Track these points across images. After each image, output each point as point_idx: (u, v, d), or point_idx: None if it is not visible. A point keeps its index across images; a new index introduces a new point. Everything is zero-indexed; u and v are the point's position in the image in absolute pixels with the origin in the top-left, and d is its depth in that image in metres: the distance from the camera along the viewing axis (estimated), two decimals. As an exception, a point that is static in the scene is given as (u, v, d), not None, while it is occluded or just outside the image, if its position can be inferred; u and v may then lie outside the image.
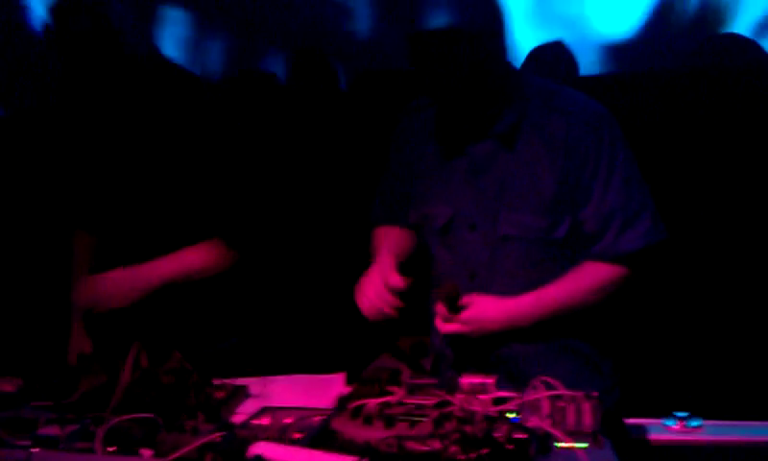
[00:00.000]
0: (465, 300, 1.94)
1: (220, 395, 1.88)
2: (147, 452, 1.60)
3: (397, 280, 1.94)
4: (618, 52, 3.36)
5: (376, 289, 1.96)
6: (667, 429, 1.41)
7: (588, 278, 1.98)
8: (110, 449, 1.58)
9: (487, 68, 1.91)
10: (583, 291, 1.98)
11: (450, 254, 2.08)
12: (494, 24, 1.93)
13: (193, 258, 2.26)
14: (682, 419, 1.41)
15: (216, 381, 1.96)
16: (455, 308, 1.95)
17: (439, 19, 1.82)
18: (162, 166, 2.25)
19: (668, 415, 1.43)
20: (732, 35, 3.11)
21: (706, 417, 1.42)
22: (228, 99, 2.41)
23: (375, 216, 2.27)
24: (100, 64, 2.18)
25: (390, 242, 2.16)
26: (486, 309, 1.96)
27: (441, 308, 1.94)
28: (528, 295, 1.97)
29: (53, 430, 1.63)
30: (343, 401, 1.75)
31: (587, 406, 1.53)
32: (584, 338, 2.06)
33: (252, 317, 2.47)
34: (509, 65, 2.03)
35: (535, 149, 1.97)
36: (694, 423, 1.40)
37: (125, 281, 2.19)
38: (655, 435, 1.38)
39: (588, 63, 3.37)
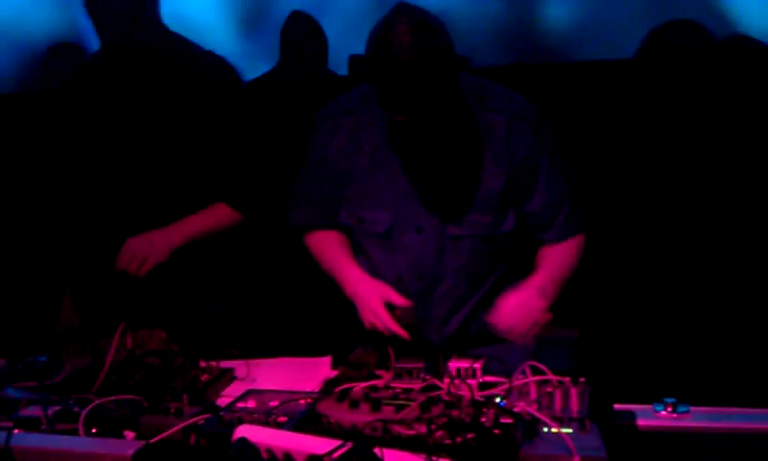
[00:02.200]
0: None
1: (205, 377, 1.87)
2: (130, 434, 1.59)
3: (400, 301, 1.97)
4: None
5: (375, 309, 1.97)
6: (656, 415, 1.40)
7: (562, 255, 2.08)
8: (93, 431, 1.56)
9: (452, 89, 1.89)
10: (567, 267, 2.08)
11: (392, 257, 2.07)
12: (450, 45, 1.85)
13: (208, 220, 2.35)
14: (670, 405, 1.41)
15: (202, 364, 1.95)
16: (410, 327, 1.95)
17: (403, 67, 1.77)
18: (179, 129, 2.30)
19: (657, 401, 1.43)
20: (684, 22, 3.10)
21: (694, 403, 1.42)
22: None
23: (301, 220, 2.22)
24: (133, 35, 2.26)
25: (347, 253, 2.15)
26: (512, 299, 1.95)
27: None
28: (537, 274, 2.02)
29: (35, 411, 1.62)
30: (329, 385, 1.74)
31: (574, 391, 1.52)
32: (572, 325, 2.10)
33: (238, 287, 2.47)
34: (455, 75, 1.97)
35: (476, 149, 1.99)
36: (682, 409, 1.40)
37: (147, 247, 2.26)
38: (643, 420, 1.37)
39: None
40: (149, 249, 2.25)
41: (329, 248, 2.17)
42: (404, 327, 1.91)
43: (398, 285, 2.02)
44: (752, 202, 2.89)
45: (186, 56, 2.33)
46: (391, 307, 1.95)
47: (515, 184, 2.01)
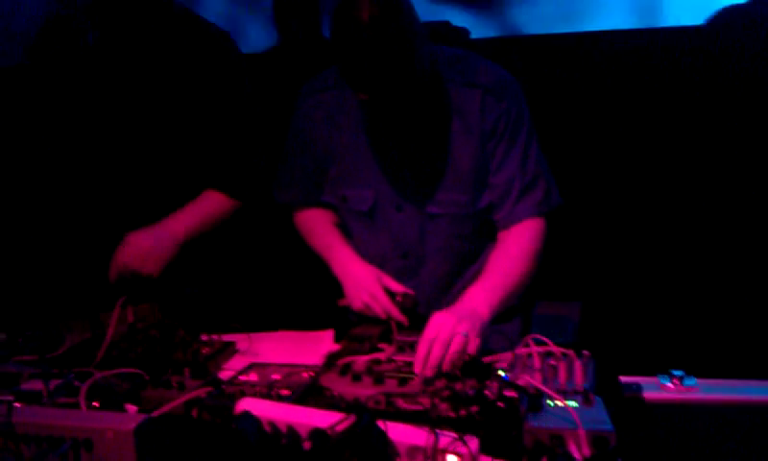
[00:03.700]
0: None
1: (207, 350, 1.87)
2: (132, 408, 1.58)
3: (397, 288, 1.95)
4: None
5: (373, 291, 1.95)
6: (662, 388, 1.39)
7: (513, 247, 1.97)
8: (95, 405, 1.56)
9: (416, 65, 1.82)
10: (516, 260, 1.96)
11: (377, 236, 2.07)
12: (413, 23, 1.80)
13: (207, 209, 2.27)
14: (677, 377, 1.40)
15: (203, 337, 1.94)
16: (413, 316, 1.92)
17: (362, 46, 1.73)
18: (179, 112, 2.24)
19: (663, 373, 1.42)
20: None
21: (700, 375, 1.41)
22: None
23: (286, 198, 2.21)
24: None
25: (336, 232, 2.14)
26: (443, 321, 1.75)
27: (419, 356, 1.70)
28: (473, 287, 1.90)
29: (36, 385, 1.61)
30: (332, 358, 1.73)
31: (578, 364, 1.51)
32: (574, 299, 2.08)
33: (236, 274, 2.44)
34: (425, 50, 1.90)
35: (452, 126, 1.97)
36: (689, 381, 1.39)
37: (154, 246, 2.17)
38: (649, 393, 1.36)
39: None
40: (154, 248, 2.16)
41: (317, 226, 2.16)
42: (404, 312, 1.91)
43: (382, 263, 2.02)
44: (758, 176, 2.88)
45: (185, 30, 2.25)
46: (389, 292, 1.94)
47: (485, 159, 1.98)
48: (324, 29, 3.81)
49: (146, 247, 2.15)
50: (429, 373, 1.62)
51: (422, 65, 1.83)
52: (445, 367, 1.63)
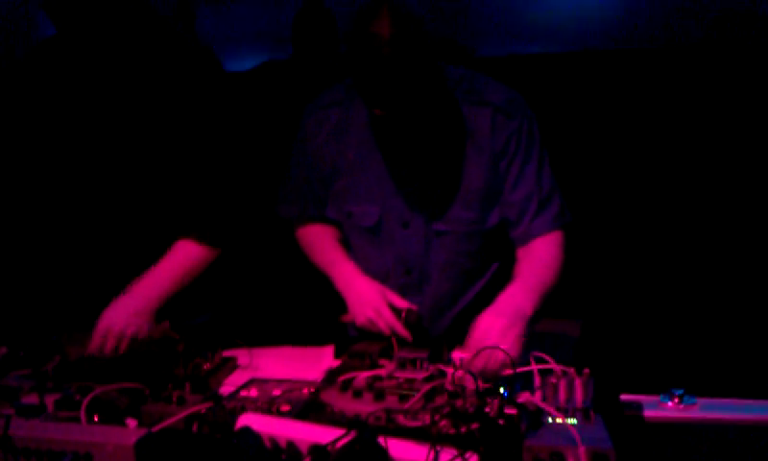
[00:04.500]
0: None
1: (207, 366, 1.86)
2: (132, 422, 1.58)
3: (402, 304, 1.95)
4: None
5: (377, 307, 1.95)
6: (663, 406, 1.39)
7: (543, 255, 1.98)
8: (95, 419, 1.56)
9: (432, 83, 1.86)
10: (548, 267, 1.97)
11: (381, 252, 2.07)
12: (429, 41, 1.81)
13: (179, 267, 2.12)
14: (677, 396, 1.40)
15: (204, 352, 1.94)
16: (415, 329, 1.93)
17: (380, 61, 1.73)
18: (165, 150, 2.13)
19: (664, 392, 1.42)
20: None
21: (701, 395, 1.41)
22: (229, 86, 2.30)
23: (290, 212, 2.21)
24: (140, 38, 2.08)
25: (340, 248, 2.14)
26: (488, 326, 1.79)
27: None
28: (513, 287, 1.90)
29: (36, 399, 1.61)
30: (332, 374, 1.73)
31: (578, 382, 1.51)
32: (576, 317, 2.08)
33: (238, 289, 2.43)
34: (438, 68, 1.94)
35: (462, 144, 1.98)
36: (689, 400, 1.39)
37: (130, 313, 2.01)
38: (650, 412, 1.36)
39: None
40: (129, 324, 1.99)
41: (320, 241, 2.16)
42: (408, 328, 1.91)
43: (385, 279, 2.02)
44: (758, 196, 2.89)
45: (165, 47, 2.12)
46: (393, 308, 1.94)
47: (496, 178, 1.99)
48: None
49: (116, 322, 1.99)
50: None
51: (438, 83, 1.85)
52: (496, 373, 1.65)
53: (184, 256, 2.12)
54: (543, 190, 1.99)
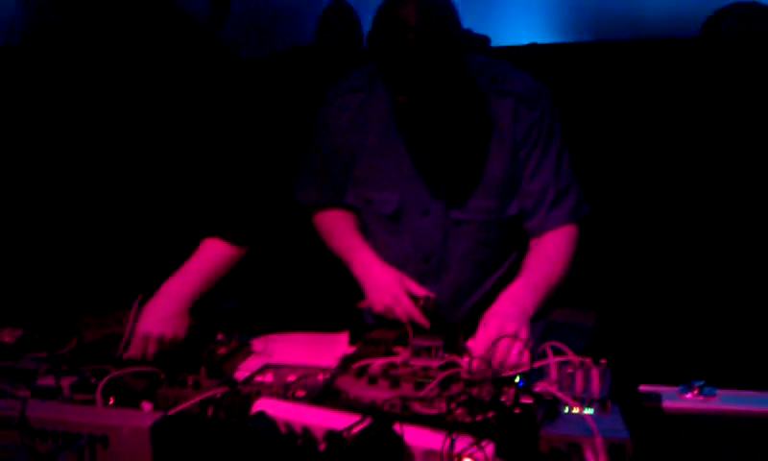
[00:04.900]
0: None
1: (223, 351, 1.87)
2: (148, 406, 1.58)
3: (420, 292, 1.94)
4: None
5: (395, 294, 1.93)
6: (682, 398, 1.38)
7: (551, 250, 1.96)
8: (111, 402, 1.56)
9: (457, 71, 1.83)
10: (555, 263, 1.95)
11: (400, 239, 2.06)
12: (457, 28, 1.81)
13: (214, 262, 2.10)
14: (697, 387, 1.39)
15: (219, 337, 1.94)
16: (433, 317, 1.92)
17: (409, 39, 1.72)
18: (189, 147, 2.13)
19: (683, 383, 1.41)
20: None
21: (720, 386, 1.40)
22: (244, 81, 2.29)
23: (308, 197, 2.20)
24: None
25: (358, 234, 2.12)
26: (491, 324, 1.75)
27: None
28: (515, 285, 1.89)
29: (52, 381, 1.61)
30: (347, 360, 1.73)
31: (595, 372, 1.50)
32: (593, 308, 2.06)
33: (255, 277, 2.43)
34: (462, 56, 1.90)
35: (483, 133, 1.96)
36: (710, 392, 1.38)
37: (168, 316, 1.97)
38: (669, 403, 1.35)
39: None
40: (167, 328, 1.94)
41: (338, 228, 2.15)
42: (426, 316, 1.90)
43: (403, 267, 2.01)
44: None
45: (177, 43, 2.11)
46: (411, 295, 1.93)
47: (516, 168, 1.97)
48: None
49: (164, 313, 1.97)
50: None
51: (462, 70, 1.84)
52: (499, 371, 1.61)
53: (214, 255, 2.10)
54: (561, 182, 1.98)
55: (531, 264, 1.94)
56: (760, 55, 2.94)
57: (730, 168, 2.97)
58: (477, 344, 1.70)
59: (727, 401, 1.36)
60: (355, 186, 2.10)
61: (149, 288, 2.04)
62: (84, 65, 2.14)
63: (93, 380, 1.62)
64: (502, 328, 1.71)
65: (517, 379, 1.57)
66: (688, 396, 1.38)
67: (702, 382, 1.40)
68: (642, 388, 1.42)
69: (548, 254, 1.95)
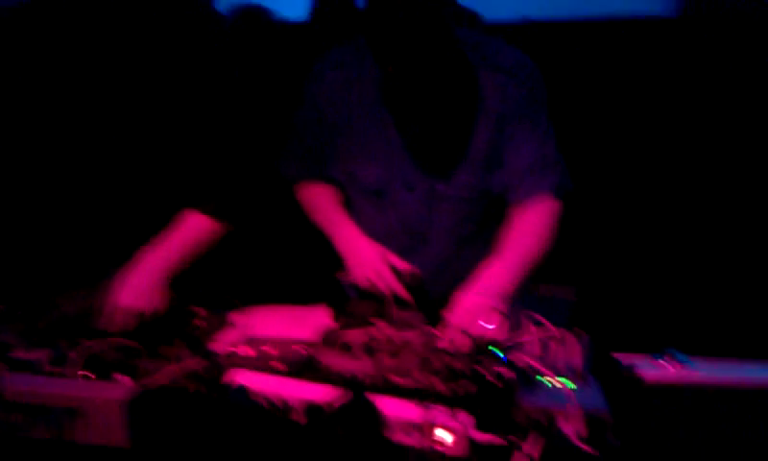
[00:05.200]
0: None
1: (202, 324, 1.85)
2: (125, 379, 1.56)
3: (403, 266, 1.94)
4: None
5: (377, 268, 1.94)
6: (657, 366, 1.38)
7: (530, 225, 1.95)
8: (87, 375, 1.55)
9: (443, 34, 1.80)
10: (534, 237, 1.94)
11: (384, 214, 2.05)
12: (446, 4, 1.80)
13: (195, 236, 2.04)
14: (672, 355, 1.39)
15: (198, 310, 1.93)
16: (416, 291, 1.92)
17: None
18: (171, 117, 2.07)
19: (659, 352, 1.41)
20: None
21: (695, 355, 1.41)
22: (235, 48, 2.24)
23: (291, 171, 2.17)
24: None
25: (341, 209, 2.12)
26: (468, 301, 1.76)
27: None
28: (493, 263, 1.87)
29: (28, 354, 1.60)
30: (328, 333, 1.72)
31: (574, 344, 1.51)
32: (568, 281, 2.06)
33: (236, 249, 2.41)
34: (451, 28, 1.89)
35: (471, 108, 1.94)
36: (684, 360, 1.38)
37: (143, 289, 1.92)
38: (645, 372, 1.35)
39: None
40: (141, 300, 1.89)
41: (322, 202, 2.14)
42: (409, 290, 1.90)
43: (387, 241, 2.01)
44: (748, 158, 2.88)
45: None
46: (394, 270, 1.93)
47: (502, 143, 1.96)
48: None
49: (144, 285, 1.92)
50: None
51: (451, 43, 1.82)
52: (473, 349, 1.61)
53: (193, 228, 2.05)
54: (545, 156, 1.97)
55: (513, 239, 1.93)
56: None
57: (697, 143, 2.98)
58: (456, 317, 1.69)
59: (702, 370, 1.37)
60: (340, 160, 2.08)
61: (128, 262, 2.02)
62: (55, 38, 2.11)
63: (70, 354, 1.60)
64: (480, 302, 1.70)
65: (500, 354, 1.57)
66: (664, 364, 1.38)
67: (676, 351, 1.40)
68: (617, 356, 1.42)
69: (530, 228, 1.95)
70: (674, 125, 3.06)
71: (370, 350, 1.60)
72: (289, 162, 2.17)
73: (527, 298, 2.18)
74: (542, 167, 1.96)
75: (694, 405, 1.33)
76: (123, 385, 1.48)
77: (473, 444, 1.32)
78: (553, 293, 2.80)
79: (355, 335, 1.69)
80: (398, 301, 1.89)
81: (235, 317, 1.95)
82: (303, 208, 2.18)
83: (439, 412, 1.35)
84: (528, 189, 1.96)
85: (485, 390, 1.41)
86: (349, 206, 2.12)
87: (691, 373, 1.35)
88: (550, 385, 1.44)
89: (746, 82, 2.94)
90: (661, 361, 1.37)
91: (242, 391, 1.44)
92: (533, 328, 1.59)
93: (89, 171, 2.23)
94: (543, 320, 1.61)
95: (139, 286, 1.92)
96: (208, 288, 2.13)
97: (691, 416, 1.34)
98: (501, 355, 1.54)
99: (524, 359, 1.49)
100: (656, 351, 1.41)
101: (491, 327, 1.65)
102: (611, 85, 3.23)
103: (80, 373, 1.54)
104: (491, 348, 1.55)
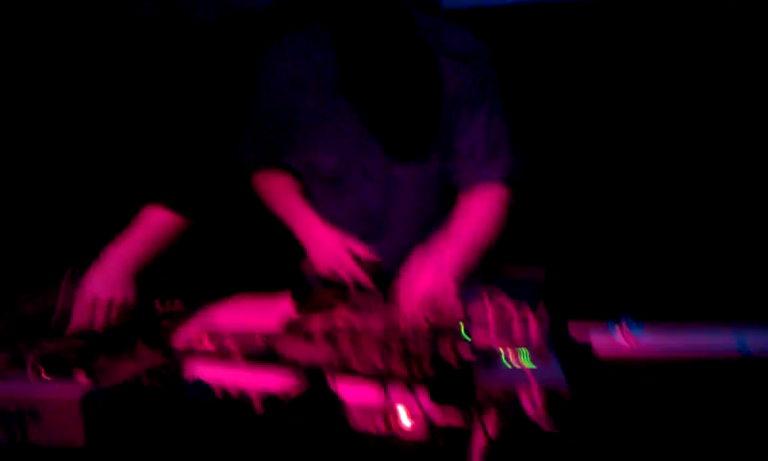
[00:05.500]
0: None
1: (163, 320, 1.83)
2: (83, 378, 1.55)
3: (363, 253, 1.95)
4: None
5: (338, 256, 1.95)
6: (612, 335, 1.39)
7: (477, 211, 1.96)
8: (44, 376, 1.52)
9: (400, 17, 1.81)
10: (481, 222, 1.95)
11: (341, 201, 2.05)
12: None
13: (159, 230, 2.04)
14: (625, 323, 1.40)
15: (156, 305, 1.91)
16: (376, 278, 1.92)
17: None
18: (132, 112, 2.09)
19: (612, 319, 1.42)
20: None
21: (655, 320, 1.42)
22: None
23: (246, 158, 2.15)
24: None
25: (300, 198, 2.11)
26: (416, 281, 1.78)
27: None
28: (443, 245, 1.88)
29: (-17, 358, 1.57)
30: (287, 322, 1.72)
31: (532, 320, 1.51)
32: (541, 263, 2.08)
33: (195, 240, 2.40)
34: (408, 14, 1.90)
35: (425, 93, 1.93)
36: (636, 329, 1.40)
37: (114, 282, 1.91)
38: (600, 346, 1.36)
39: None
40: (114, 294, 1.89)
41: (281, 191, 2.13)
42: (369, 276, 1.91)
43: (346, 228, 2.01)
44: (708, 126, 2.91)
45: None
46: (354, 257, 1.93)
47: (453, 127, 1.96)
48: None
49: (111, 278, 1.91)
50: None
51: (408, 28, 1.82)
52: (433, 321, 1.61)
53: (156, 223, 2.04)
54: (491, 141, 1.97)
55: (460, 222, 1.94)
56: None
57: (659, 123, 3.01)
58: (412, 299, 1.69)
59: (656, 339, 1.38)
60: (295, 149, 2.07)
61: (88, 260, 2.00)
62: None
63: (27, 355, 1.58)
64: (434, 283, 1.72)
65: (460, 334, 1.56)
66: (619, 334, 1.39)
67: (629, 317, 1.41)
68: (571, 324, 1.43)
69: (475, 213, 1.95)
70: (635, 104, 3.08)
71: (330, 337, 1.59)
72: (245, 150, 2.15)
73: (496, 279, 2.19)
74: (492, 153, 1.96)
75: (648, 378, 1.34)
76: (80, 385, 1.46)
77: (433, 426, 1.32)
78: (523, 274, 2.81)
79: (317, 323, 1.69)
80: (360, 287, 1.89)
81: (195, 311, 1.93)
82: (262, 198, 2.17)
83: (398, 396, 1.35)
84: (477, 175, 1.97)
85: (443, 371, 1.41)
86: (308, 194, 2.11)
87: (644, 345, 1.36)
88: (509, 365, 1.44)
89: (722, 61, 2.96)
90: (615, 330, 1.38)
91: (201, 385, 1.43)
92: (492, 308, 1.59)
93: (42, 171, 2.21)
94: (504, 299, 1.61)
95: (110, 279, 1.91)
96: (172, 282, 2.11)
97: (646, 389, 1.35)
98: (461, 336, 1.54)
99: (483, 339, 1.49)
100: (613, 317, 1.41)
101: (447, 307, 1.66)
102: (570, 69, 3.23)
103: (37, 374, 1.52)
104: (449, 328, 1.55)
